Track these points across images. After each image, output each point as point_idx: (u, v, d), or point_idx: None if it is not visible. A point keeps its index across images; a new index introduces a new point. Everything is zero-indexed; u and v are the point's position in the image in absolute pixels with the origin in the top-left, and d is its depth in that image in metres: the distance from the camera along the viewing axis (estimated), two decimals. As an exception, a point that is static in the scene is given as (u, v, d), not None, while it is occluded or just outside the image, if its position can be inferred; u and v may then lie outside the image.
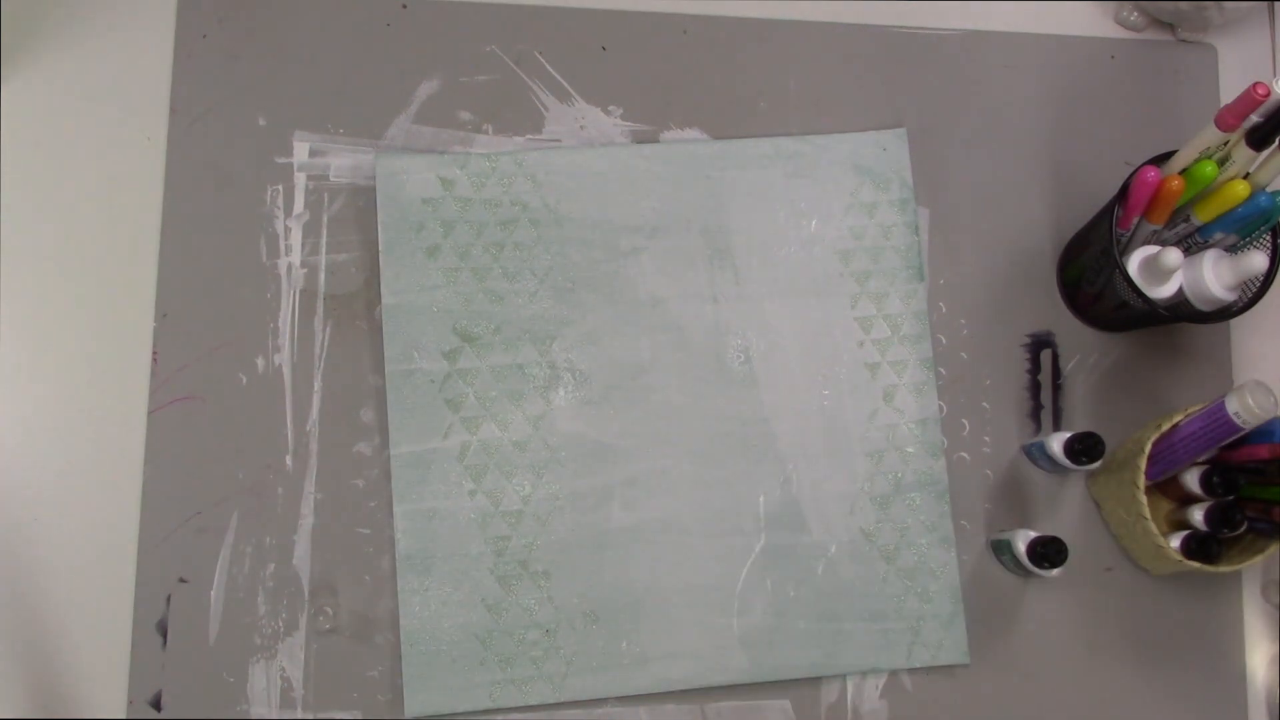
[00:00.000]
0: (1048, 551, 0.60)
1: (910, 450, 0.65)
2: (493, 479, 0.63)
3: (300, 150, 0.66)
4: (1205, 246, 0.63)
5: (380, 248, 0.64)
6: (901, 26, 0.72)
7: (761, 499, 0.64)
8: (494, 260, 0.65)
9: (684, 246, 0.66)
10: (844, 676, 0.63)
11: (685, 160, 0.67)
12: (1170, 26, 0.74)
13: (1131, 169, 0.61)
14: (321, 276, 0.64)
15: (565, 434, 0.64)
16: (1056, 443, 0.63)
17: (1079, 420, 0.68)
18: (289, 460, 0.62)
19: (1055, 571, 0.60)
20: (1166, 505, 0.66)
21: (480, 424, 0.63)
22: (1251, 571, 0.68)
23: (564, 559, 0.62)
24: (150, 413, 0.62)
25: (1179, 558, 0.61)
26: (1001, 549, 0.64)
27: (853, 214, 0.68)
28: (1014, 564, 0.64)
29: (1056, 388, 0.69)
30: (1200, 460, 0.63)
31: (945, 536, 0.65)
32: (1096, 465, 0.63)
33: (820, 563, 0.64)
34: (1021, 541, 0.62)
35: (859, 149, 0.68)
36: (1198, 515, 0.63)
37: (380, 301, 0.64)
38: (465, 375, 0.63)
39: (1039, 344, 0.69)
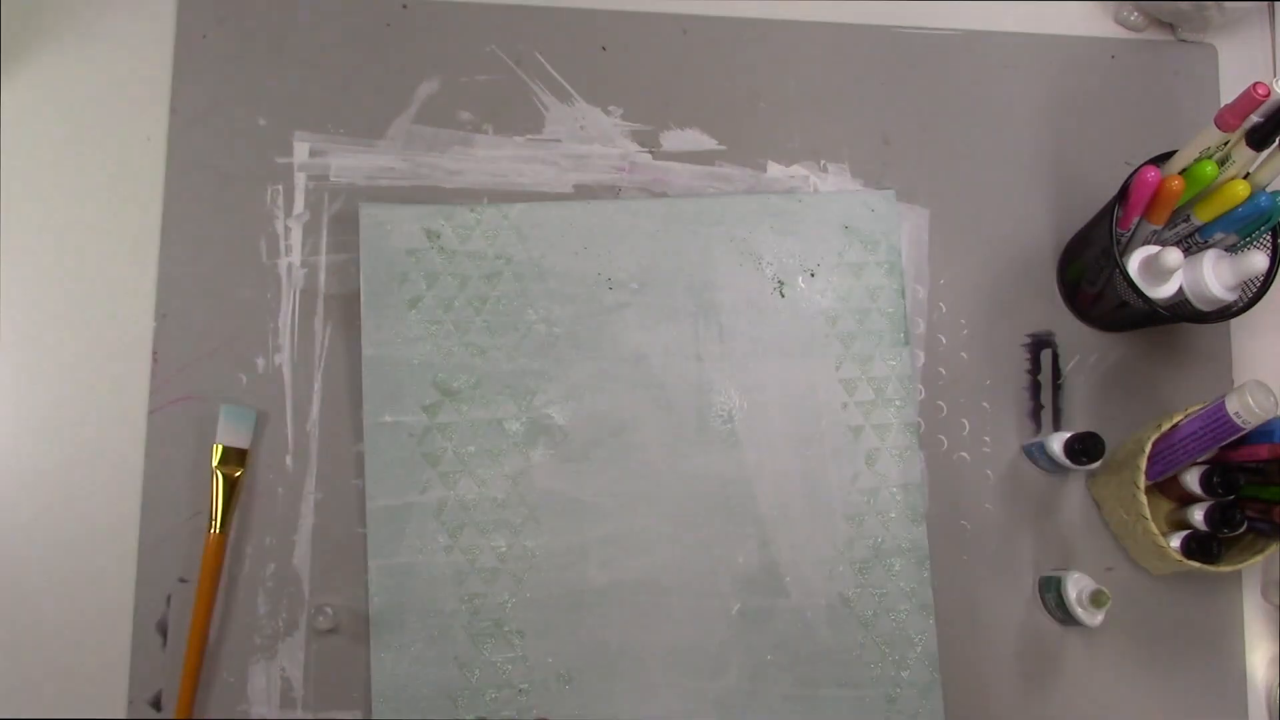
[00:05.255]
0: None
1: (892, 515, 0.65)
2: (469, 535, 0.62)
3: (300, 150, 0.66)
4: (1205, 246, 0.63)
5: (362, 299, 0.63)
6: (901, 26, 0.72)
7: (740, 561, 0.63)
8: (476, 313, 0.64)
9: (669, 302, 0.65)
10: None
11: (672, 215, 0.66)
12: (1170, 26, 0.74)
13: (1131, 169, 0.61)
14: (321, 276, 0.64)
15: (543, 491, 0.63)
16: (1056, 443, 0.64)
17: (1079, 420, 0.68)
18: (289, 460, 0.62)
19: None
20: (1166, 505, 0.66)
21: (458, 480, 0.62)
22: (1251, 571, 0.68)
23: (539, 618, 0.61)
24: (150, 413, 0.62)
25: (1179, 558, 0.61)
26: (1048, 587, 0.64)
27: (839, 274, 0.67)
28: (1057, 605, 0.64)
29: (1056, 388, 0.69)
30: (1200, 460, 0.63)
31: (924, 603, 0.64)
32: (1096, 465, 0.63)
33: (797, 627, 0.63)
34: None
35: (847, 209, 0.68)
36: (1198, 515, 0.63)
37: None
38: (444, 430, 0.62)
39: (1039, 344, 0.69)
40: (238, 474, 0.61)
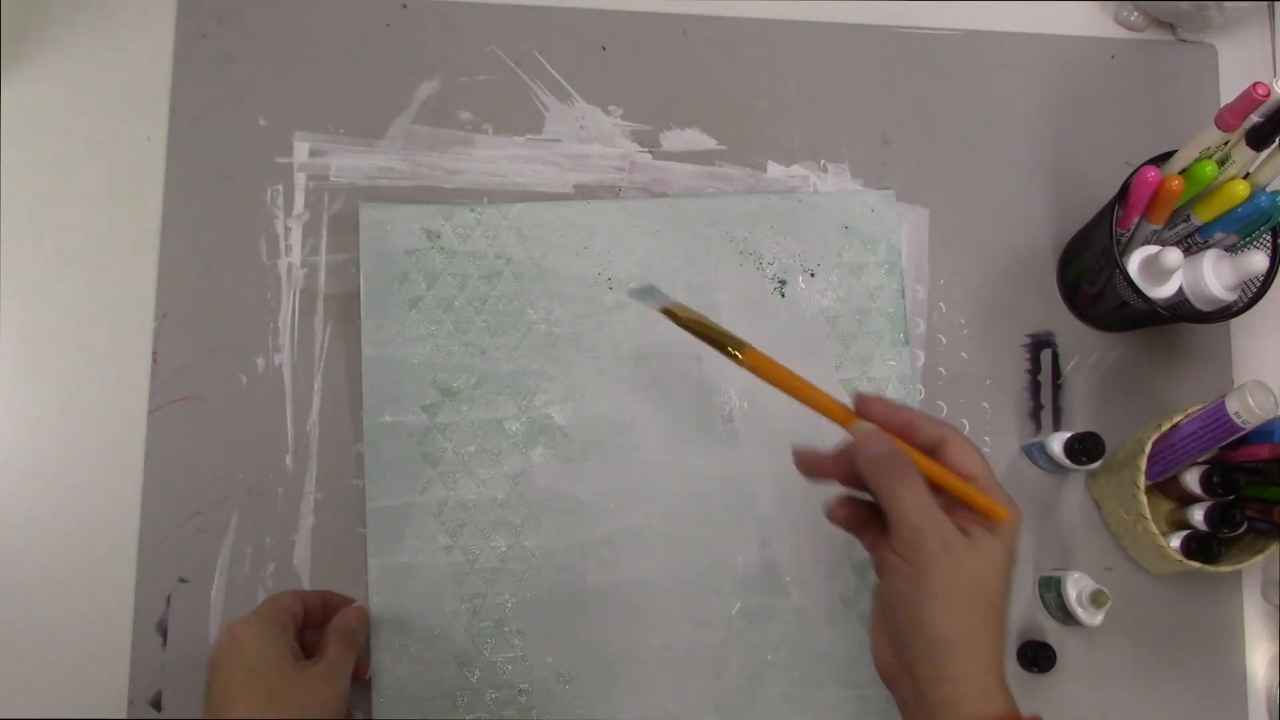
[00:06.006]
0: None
1: None
2: (469, 536, 0.62)
3: (300, 150, 0.66)
4: (1205, 246, 0.63)
5: (362, 299, 0.63)
6: (901, 26, 0.72)
7: (740, 561, 0.63)
8: (476, 314, 0.64)
9: None
10: None
11: (672, 215, 0.66)
12: (1170, 26, 0.74)
13: (1131, 169, 0.61)
14: (321, 276, 0.64)
15: (544, 491, 0.63)
16: (1056, 443, 0.63)
17: (1079, 420, 0.68)
18: (289, 460, 0.62)
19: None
20: (1166, 505, 0.66)
21: (458, 480, 0.62)
22: (1251, 571, 0.68)
23: (539, 618, 0.61)
24: (150, 413, 0.62)
25: (1179, 558, 0.61)
26: (1048, 587, 0.64)
27: (839, 274, 0.67)
28: (1057, 605, 0.64)
29: (1056, 388, 0.69)
30: (1200, 460, 0.63)
31: None
32: (1096, 465, 0.63)
33: (797, 627, 0.63)
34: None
35: (847, 209, 0.68)
36: (1198, 515, 0.63)
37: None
38: (444, 430, 0.62)
39: (1039, 344, 0.69)
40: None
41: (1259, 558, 0.61)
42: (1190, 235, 0.64)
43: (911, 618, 0.47)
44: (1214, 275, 0.61)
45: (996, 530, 0.47)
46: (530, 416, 0.63)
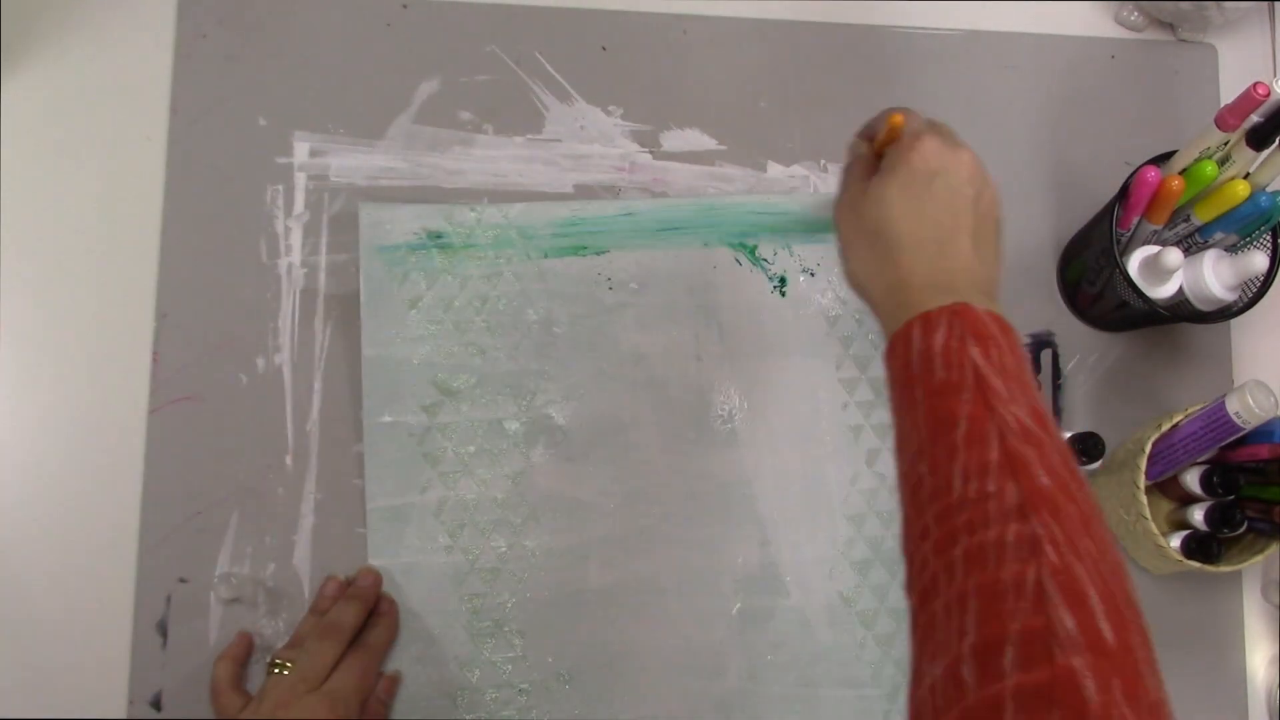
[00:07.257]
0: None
1: (892, 515, 0.65)
2: (469, 535, 0.62)
3: (300, 150, 0.66)
4: (1205, 246, 0.63)
5: (361, 299, 0.63)
6: (901, 26, 0.72)
7: (740, 561, 0.63)
8: (476, 313, 0.64)
9: (669, 303, 0.65)
10: None
11: (672, 215, 0.66)
12: (1170, 26, 0.75)
13: (1131, 169, 0.61)
14: (321, 276, 0.64)
15: (544, 491, 0.63)
16: (1056, 443, 0.64)
17: (1079, 420, 0.68)
18: (289, 460, 0.62)
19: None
20: (1166, 505, 0.66)
21: (458, 479, 0.62)
22: (1251, 571, 0.68)
23: (539, 618, 0.61)
24: (150, 413, 0.62)
25: (1179, 558, 0.61)
26: None
27: (839, 274, 0.67)
28: None
29: (1056, 388, 0.69)
30: (1200, 460, 0.63)
31: None
32: (1096, 465, 0.63)
33: (797, 627, 0.63)
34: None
35: None
36: (1198, 515, 0.63)
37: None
38: (444, 430, 0.62)
39: (1039, 344, 0.69)
40: None
41: (1259, 558, 0.61)
42: (1190, 235, 0.64)
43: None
44: (1214, 275, 0.61)
45: (890, 160, 0.51)
46: (530, 416, 0.63)
